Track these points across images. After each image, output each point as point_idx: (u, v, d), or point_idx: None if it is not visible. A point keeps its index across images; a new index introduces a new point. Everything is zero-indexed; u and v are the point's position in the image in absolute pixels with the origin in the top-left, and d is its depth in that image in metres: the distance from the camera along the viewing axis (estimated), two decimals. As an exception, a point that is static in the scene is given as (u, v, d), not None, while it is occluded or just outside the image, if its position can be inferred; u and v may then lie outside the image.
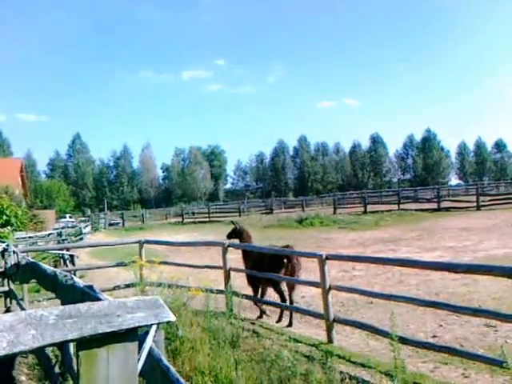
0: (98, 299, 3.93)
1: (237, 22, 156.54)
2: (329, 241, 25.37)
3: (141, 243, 11.85)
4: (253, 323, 8.48)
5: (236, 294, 8.44)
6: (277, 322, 9.11)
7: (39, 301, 9.94)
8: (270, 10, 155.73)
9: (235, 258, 11.13)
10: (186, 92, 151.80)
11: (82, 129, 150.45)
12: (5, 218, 20.65)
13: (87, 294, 4.19)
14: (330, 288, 7.58)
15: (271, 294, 9.85)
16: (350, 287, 8.72)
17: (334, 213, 41.98)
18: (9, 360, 7.50)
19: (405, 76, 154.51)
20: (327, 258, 7.60)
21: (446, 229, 25.93)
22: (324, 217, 37.14)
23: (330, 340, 7.47)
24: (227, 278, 9.88)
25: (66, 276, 5.54)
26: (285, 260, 9.16)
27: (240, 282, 10.68)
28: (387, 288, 12.14)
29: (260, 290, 9.88)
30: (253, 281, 9.90)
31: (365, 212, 40.48)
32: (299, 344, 7.35)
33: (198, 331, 6.89)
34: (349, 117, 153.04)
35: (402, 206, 40.44)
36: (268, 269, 9.23)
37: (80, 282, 4.59)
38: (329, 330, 7.49)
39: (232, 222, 12.01)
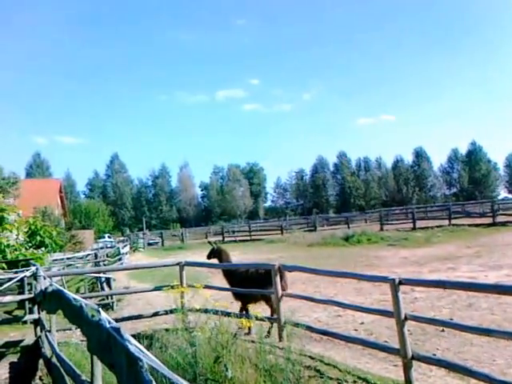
0: (125, 347, 2.98)
1: (271, 41, 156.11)
2: (379, 259, 24.18)
3: (181, 265, 10.94)
4: (312, 357, 7.32)
5: (296, 323, 7.30)
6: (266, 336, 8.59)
7: (70, 329, 9.05)
8: (304, 29, 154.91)
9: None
10: (221, 111, 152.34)
11: (120, 149, 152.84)
12: (39, 238, 20.21)
13: (113, 338, 3.25)
14: (405, 318, 6.41)
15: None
16: (431, 318, 7.52)
17: (381, 229, 40.51)
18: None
19: (444, 88, 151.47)
20: (401, 283, 6.45)
21: (506, 245, 24.50)
22: (371, 234, 35.93)
23: (409, 381, 6.26)
24: (278, 304, 8.80)
25: (92, 309, 4.65)
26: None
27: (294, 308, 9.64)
28: (456, 313, 11.05)
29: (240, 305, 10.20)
30: (240, 297, 10.20)
31: (414, 228, 38.95)
32: (372, 386, 6.23)
33: (250, 371, 5.84)
34: (387, 132, 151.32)
35: (453, 222, 38.76)
36: (257, 285, 9.57)
37: (107, 320, 3.67)
38: (406, 370, 6.29)
39: (209, 243, 12.20)
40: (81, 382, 4.77)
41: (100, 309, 4.34)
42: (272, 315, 9.33)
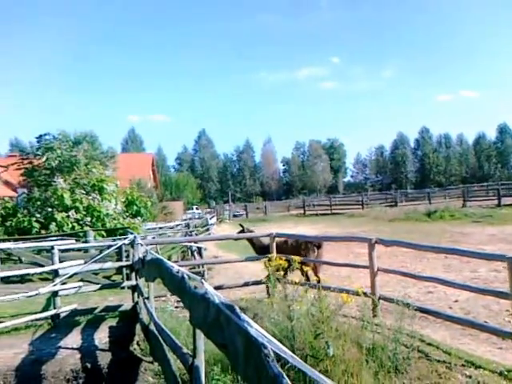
0: (243, 330, 2.54)
1: (351, 19, 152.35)
2: (465, 236, 22.79)
3: (272, 237, 10.57)
4: (410, 336, 6.63)
5: (407, 303, 6.54)
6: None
7: (165, 296, 8.89)
8: (384, 5, 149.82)
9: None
10: (302, 89, 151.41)
11: (208, 125, 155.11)
12: (135, 208, 20.54)
13: (225, 317, 2.82)
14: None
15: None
16: None
17: (463, 206, 38.47)
18: (133, 365, 6.52)
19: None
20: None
21: None
22: (454, 210, 34.21)
23: (523, 367, 5.53)
24: (373, 279, 8.19)
25: (194, 280, 4.28)
26: (315, 247, 10.30)
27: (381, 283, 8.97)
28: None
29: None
30: None
31: (498, 205, 36.67)
32: (481, 371, 5.54)
33: (353, 350, 5.32)
34: (469, 108, 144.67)
35: (541, 199, 36.35)
36: (300, 254, 9.84)
37: (215, 295, 3.25)
38: (523, 355, 5.57)
39: (241, 225, 12.80)
40: (182, 354, 4.43)
41: (203, 280, 3.97)
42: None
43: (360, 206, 45.85)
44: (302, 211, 49.80)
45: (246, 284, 10.83)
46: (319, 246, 10.35)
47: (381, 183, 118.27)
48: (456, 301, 9.90)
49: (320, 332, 5.35)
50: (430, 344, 6.60)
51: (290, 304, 6.01)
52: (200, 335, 3.99)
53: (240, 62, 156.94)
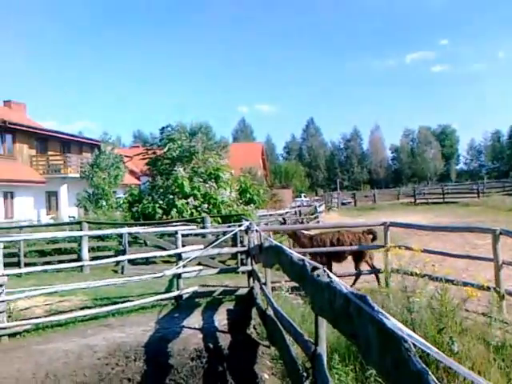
0: (377, 321, 2.45)
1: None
2: None
3: (386, 226, 10.25)
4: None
5: None
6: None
7: (279, 282, 8.92)
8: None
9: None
10: (411, 75, 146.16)
11: (315, 114, 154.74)
12: (248, 196, 20.89)
13: (356, 307, 2.73)
14: None
15: None
16: None
17: None
18: (251, 348, 6.63)
19: None
20: None
21: None
22: None
23: None
24: (498, 273, 7.66)
25: (315, 268, 4.24)
26: (371, 239, 10.89)
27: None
28: None
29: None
30: (321, 258, 10.94)
31: None
32: None
33: (479, 347, 5.02)
34: None
35: None
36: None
37: (341, 284, 3.20)
38: None
39: (283, 219, 14.62)
40: (303, 342, 4.42)
41: (325, 268, 3.92)
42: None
43: (475, 195, 43.33)
44: (411, 200, 48.00)
45: (359, 273, 10.64)
46: (374, 238, 10.91)
47: (497, 171, 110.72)
48: None
49: (443, 326, 5.10)
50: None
51: (410, 296, 5.79)
52: (322, 323, 3.94)
53: (345, 49, 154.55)
